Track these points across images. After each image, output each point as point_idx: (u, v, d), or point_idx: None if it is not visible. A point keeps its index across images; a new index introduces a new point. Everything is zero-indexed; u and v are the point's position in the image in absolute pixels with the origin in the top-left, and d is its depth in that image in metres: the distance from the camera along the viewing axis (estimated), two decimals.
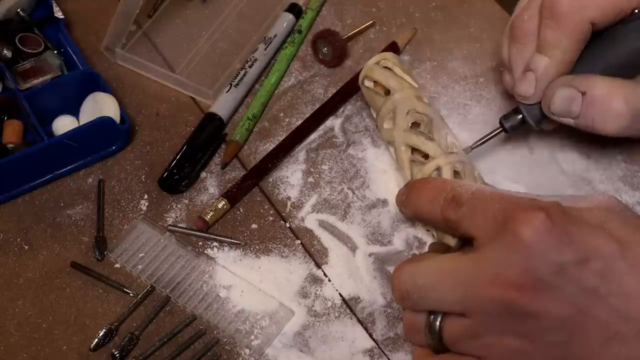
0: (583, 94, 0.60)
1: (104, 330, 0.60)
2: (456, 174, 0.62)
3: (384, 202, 0.67)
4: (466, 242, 0.55)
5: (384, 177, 0.68)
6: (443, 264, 0.51)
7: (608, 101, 0.59)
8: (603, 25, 0.61)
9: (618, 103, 0.59)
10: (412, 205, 0.58)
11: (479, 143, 0.65)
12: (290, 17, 0.77)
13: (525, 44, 0.63)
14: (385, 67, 0.68)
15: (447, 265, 0.51)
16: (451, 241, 0.57)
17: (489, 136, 0.65)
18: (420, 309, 0.52)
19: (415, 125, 0.65)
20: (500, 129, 0.65)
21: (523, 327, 0.48)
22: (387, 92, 0.67)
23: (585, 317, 0.47)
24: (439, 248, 0.57)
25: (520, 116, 0.64)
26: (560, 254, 0.47)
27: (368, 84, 0.68)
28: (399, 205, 0.61)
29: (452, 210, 0.53)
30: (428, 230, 0.65)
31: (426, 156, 0.63)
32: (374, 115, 0.69)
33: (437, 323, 0.51)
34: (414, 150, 0.64)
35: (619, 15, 0.60)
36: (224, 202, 0.66)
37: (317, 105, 0.72)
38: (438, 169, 0.62)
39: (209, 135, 0.70)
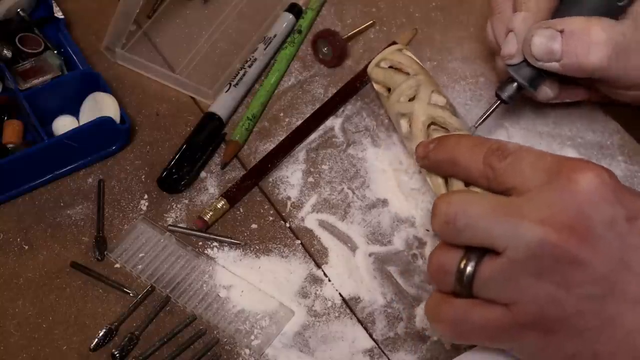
0: (561, 32, 0.60)
1: (104, 330, 0.61)
2: None
3: (384, 202, 0.67)
4: None
5: (384, 177, 0.68)
6: (496, 198, 0.51)
7: (586, 32, 0.60)
8: None
9: (596, 33, 0.59)
10: (447, 151, 0.57)
11: (481, 120, 0.65)
12: (290, 17, 0.77)
13: (503, 11, 0.65)
14: (407, 55, 0.68)
15: (500, 200, 0.50)
16: None
17: (489, 111, 0.65)
18: (461, 240, 0.51)
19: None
20: (499, 101, 0.65)
21: (564, 273, 0.48)
22: (406, 76, 0.67)
23: (626, 273, 0.47)
24: None
25: (515, 83, 0.64)
26: (614, 207, 0.48)
27: (384, 65, 0.68)
28: (421, 153, 0.59)
29: (496, 158, 0.52)
30: (428, 230, 0.65)
31: (448, 131, 0.63)
32: (384, 93, 0.68)
33: (473, 263, 0.50)
34: (430, 126, 0.64)
35: None
36: (223, 202, 0.66)
37: (317, 105, 0.72)
38: None
39: (208, 135, 0.70)
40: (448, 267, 0.51)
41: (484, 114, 0.65)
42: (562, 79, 0.65)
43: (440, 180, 0.59)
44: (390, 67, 0.68)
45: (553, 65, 0.61)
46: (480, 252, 0.50)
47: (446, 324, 0.52)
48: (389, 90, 0.68)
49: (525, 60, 0.63)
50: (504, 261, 0.49)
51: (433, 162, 0.58)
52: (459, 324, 0.51)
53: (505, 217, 0.49)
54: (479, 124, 0.65)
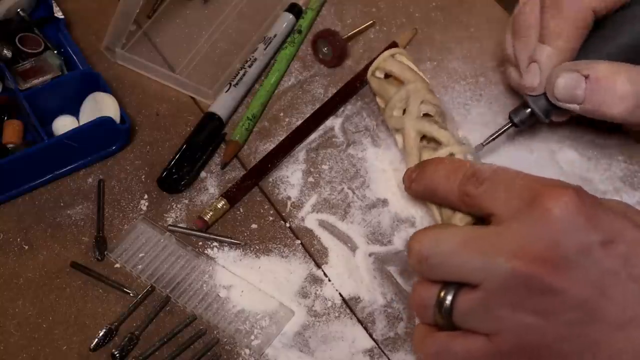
0: (586, 77, 0.60)
1: (104, 330, 0.61)
2: None
3: (384, 202, 0.67)
4: (476, 223, 0.55)
5: (384, 177, 0.68)
6: (467, 232, 0.51)
7: (612, 82, 0.59)
8: (604, 12, 0.61)
9: (622, 84, 0.59)
10: (426, 181, 0.58)
11: (490, 139, 0.66)
12: (290, 17, 0.77)
13: (528, 36, 0.64)
14: (400, 62, 0.68)
15: (470, 234, 0.50)
16: (459, 223, 0.56)
17: (499, 132, 0.66)
18: (436, 276, 0.51)
19: (426, 116, 0.65)
20: (510, 124, 0.65)
21: (540, 303, 0.48)
22: (400, 84, 0.67)
23: (604, 299, 0.47)
24: None
25: (529, 110, 0.64)
26: (588, 233, 0.47)
27: (379, 75, 0.69)
28: (407, 181, 0.61)
29: (471, 186, 0.53)
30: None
31: (438, 144, 0.63)
32: (382, 105, 0.69)
33: (450, 297, 0.50)
34: (423, 138, 0.64)
35: (619, 2, 0.61)
36: (223, 202, 0.66)
37: (317, 105, 0.72)
38: (451, 155, 0.62)
39: (208, 135, 0.70)
40: (428, 301, 0.52)
41: (494, 134, 0.66)
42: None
43: (433, 205, 0.60)
44: (387, 75, 0.68)
45: (573, 107, 0.61)
46: (457, 284, 0.51)
47: (430, 356, 0.53)
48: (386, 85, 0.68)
49: (544, 93, 0.63)
50: (480, 294, 0.49)
51: (417, 192, 0.60)
52: (442, 356, 0.52)
53: (477, 252, 0.49)
54: (487, 143, 0.65)
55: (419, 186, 0.59)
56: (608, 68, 0.59)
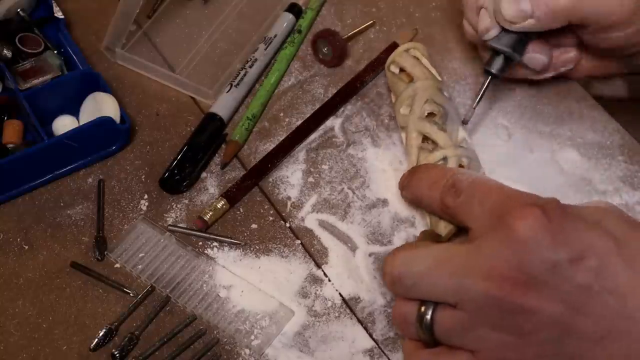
0: None
1: (104, 330, 0.60)
2: (461, 167, 0.62)
3: (384, 202, 0.67)
4: (459, 233, 0.56)
5: (384, 177, 0.68)
6: (439, 252, 0.51)
7: None
8: None
9: None
10: (412, 189, 0.59)
11: (477, 100, 0.66)
12: (290, 17, 0.77)
13: (470, 2, 0.66)
14: (414, 57, 0.69)
15: (442, 254, 0.51)
16: (442, 230, 0.57)
17: (483, 89, 0.66)
18: (411, 296, 0.52)
19: (431, 115, 0.65)
20: (489, 77, 0.66)
21: (514, 322, 0.48)
22: (411, 80, 0.68)
23: (578, 314, 0.47)
24: (429, 236, 0.58)
25: (501, 55, 0.65)
26: (555, 251, 0.47)
27: (394, 69, 0.69)
28: (400, 189, 0.62)
29: (450, 198, 0.54)
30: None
31: (436, 146, 0.64)
32: (393, 100, 0.69)
33: (429, 315, 0.51)
34: (425, 139, 0.65)
35: None
36: (223, 202, 0.66)
37: (317, 105, 0.72)
38: (444, 158, 0.62)
39: (209, 136, 0.70)
40: (409, 317, 0.52)
41: (479, 93, 0.66)
42: (546, 38, 0.65)
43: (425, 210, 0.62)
44: (402, 69, 0.69)
45: (529, 23, 0.62)
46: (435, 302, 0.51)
47: None
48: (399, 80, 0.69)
49: (503, 30, 0.64)
50: (458, 313, 0.49)
51: (406, 199, 0.62)
52: None
53: (449, 274, 0.49)
54: (477, 105, 0.66)
55: (407, 194, 0.61)
56: None
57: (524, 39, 0.64)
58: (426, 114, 0.65)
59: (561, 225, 0.48)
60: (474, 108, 0.66)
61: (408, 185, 0.60)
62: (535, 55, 0.66)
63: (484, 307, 0.48)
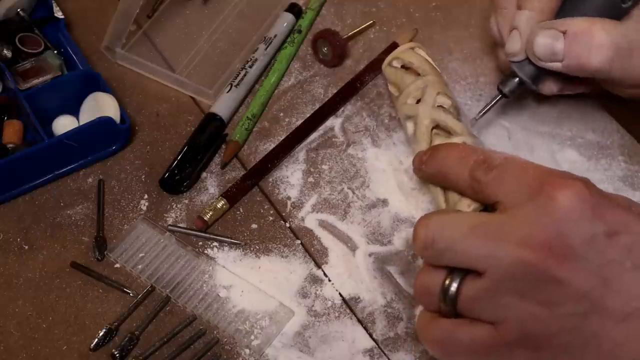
0: (564, 33, 0.61)
1: (104, 330, 0.61)
2: None
3: (384, 202, 0.67)
4: (483, 211, 0.55)
5: (384, 176, 0.68)
6: (472, 219, 0.51)
7: (588, 35, 0.60)
8: None
9: (599, 35, 0.60)
10: (437, 163, 0.58)
11: (482, 113, 0.66)
12: (290, 17, 0.77)
13: (507, 8, 0.65)
14: (419, 55, 0.69)
15: (476, 221, 0.50)
16: (466, 208, 0.56)
17: (490, 104, 0.66)
18: (441, 262, 0.51)
19: (440, 108, 0.65)
20: (500, 95, 0.66)
21: (544, 292, 0.48)
22: (416, 76, 0.67)
23: (608, 290, 0.47)
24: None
25: (517, 79, 0.65)
26: (593, 224, 0.47)
27: (397, 64, 0.69)
28: (417, 163, 0.60)
29: (481, 172, 0.53)
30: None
31: (449, 135, 0.63)
32: (395, 93, 0.68)
33: (455, 285, 0.50)
34: (435, 128, 0.64)
35: None
36: (223, 202, 0.66)
37: (317, 105, 0.72)
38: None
39: (209, 136, 0.70)
40: (432, 288, 0.51)
41: (485, 106, 0.66)
42: (565, 75, 0.65)
43: (438, 189, 0.60)
44: (403, 66, 0.68)
45: (555, 65, 0.62)
46: (463, 271, 0.50)
47: (434, 344, 0.52)
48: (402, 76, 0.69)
49: (528, 58, 0.63)
50: (486, 282, 0.49)
51: (426, 174, 0.60)
52: (447, 344, 0.52)
53: (483, 239, 0.49)
54: (480, 117, 0.66)
55: (429, 169, 0.59)
56: (584, 22, 0.61)
57: (545, 72, 0.64)
58: (437, 105, 0.65)
59: (600, 200, 0.48)
60: (476, 119, 0.66)
61: (431, 161, 0.58)
62: (549, 85, 0.66)
63: (515, 275, 0.48)
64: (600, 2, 0.62)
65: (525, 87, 0.65)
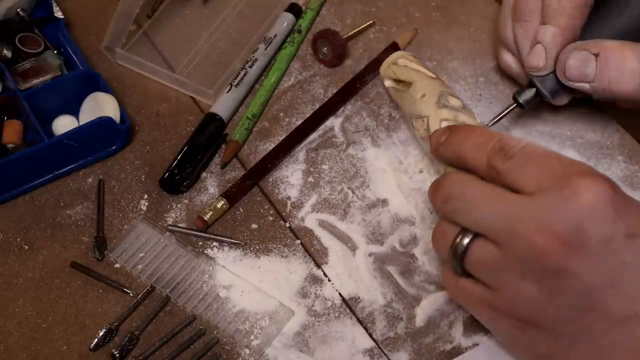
0: (596, 55, 0.60)
1: (104, 330, 0.61)
2: None
3: (384, 202, 0.67)
4: None
5: (384, 176, 0.68)
6: (496, 190, 0.51)
7: (622, 60, 0.60)
8: None
9: (632, 61, 0.60)
10: (454, 148, 0.57)
11: (494, 120, 0.66)
12: (290, 17, 0.77)
13: (530, 20, 0.64)
14: (406, 66, 0.69)
15: (500, 193, 0.51)
16: None
17: (504, 112, 0.66)
18: (457, 220, 0.52)
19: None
20: (515, 104, 0.66)
21: (549, 280, 0.48)
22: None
23: (613, 290, 0.48)
24: None
25: (534, 89, 0.65)
26: (614, 224, 0.47)
27: (402, 62, 0.69)
28: (434, 145, 0.60)
29: (499, 160, 0.53)
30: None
31: None
32: (399, 87, 0.68)
33: (465, 242, 0.51)
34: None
35: None
36: (223, 202, 0.66)
37: (317, 105, 0.72)
38: None
39: (209, 136, 0.70)
40: (449, 236, 0.53)
41: (499, 114, 0.66)
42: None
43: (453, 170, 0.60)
44: (400, 80, 0.69)
45: (583, 86, 0.62)
46: (473, 232, 0.52)
47: (445, 279, 0.56)
48: (400, 84, 0.68)
49: (550, 73, 0.63)
50: (494, 252, 0.50)
51: (443, 156, 0.59)
52: (452, 285, 0.55)
53: (502, 214, 0.50)
54: (492, 124, 0.66)
55: (446, 152, 0.58)
56: (617, 46, 0.60)
57: (565, 87, 0.64)
58: (448, 105, 0.64)
59: (624, 201, 0.48)
60: (488, 126, 0.66)
61: (449, 143, 0.58)
62: (564, 97, 0.66)
63: (525, 257, 0.48)
64: (625, 22, 0.62)
65: (539, 99, 0.65)
